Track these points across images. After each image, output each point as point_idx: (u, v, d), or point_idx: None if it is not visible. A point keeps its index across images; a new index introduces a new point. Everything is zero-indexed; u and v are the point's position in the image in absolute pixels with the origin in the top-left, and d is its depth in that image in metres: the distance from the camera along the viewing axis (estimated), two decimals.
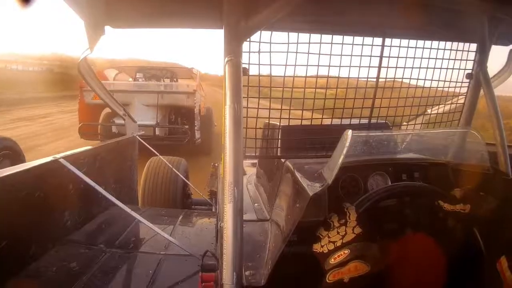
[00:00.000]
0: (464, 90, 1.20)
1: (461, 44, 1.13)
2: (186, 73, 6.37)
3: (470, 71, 1.17)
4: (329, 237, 0.73)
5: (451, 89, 1.18)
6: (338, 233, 0.72)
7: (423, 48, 1.10)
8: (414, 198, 0.83)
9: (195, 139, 5.02)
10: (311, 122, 1.13)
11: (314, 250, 0.74)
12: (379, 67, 1.09)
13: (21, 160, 2.89)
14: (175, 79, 6.10)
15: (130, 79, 5.97)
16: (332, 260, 0.69)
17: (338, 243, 0.70)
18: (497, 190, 0.84)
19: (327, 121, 1.16)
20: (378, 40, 1.06)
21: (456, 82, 1.17)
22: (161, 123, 4.94)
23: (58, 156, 1.28)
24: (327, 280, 0.68)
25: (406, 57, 1.09)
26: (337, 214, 0.76)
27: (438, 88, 1.19)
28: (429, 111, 1.30)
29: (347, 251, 0.68)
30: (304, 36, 0.99)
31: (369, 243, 0.69)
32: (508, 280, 0.71)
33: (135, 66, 6.47)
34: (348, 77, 1.09)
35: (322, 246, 0.73)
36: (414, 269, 0.71)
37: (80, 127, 4.55)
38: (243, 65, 0.85)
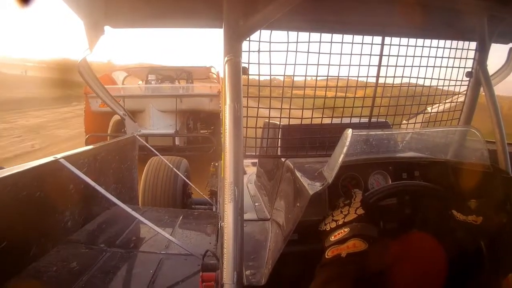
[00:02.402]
0: (464, 88, 1.20)
1: (460, 42, 1.13)
2: (204, 73, 5.58)
3: (470, 69, 1.17)
4: (332, 216, 0.75)
5: (451, 88, 1.19)
6: (341, 212, 0.74)
7: (423, 46, 1.10)
8: (426, 200, 0.83)
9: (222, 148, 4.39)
10: (311, 121, 1.13)
11: (319, 229, 0.76)
12: (379, 65, 1.09)
13: None
14: (190, 80, 5.38)
15: (141, 82, 5.32)
16: (333, 237, 0.70)
17: (340, 222, 0.72)
18: (497, 188, 0.84)
19: (327, 120, 1.16)
20: (378, 39, 1.06)
21: (456, 80, 1.17)
22: (180, 131, 4.26)
23: (58, 156, 1.28)
24: (325, 256, 0.69)
25: (406, 56, 1.09)
26: (344, 196, 0.78)
27: (438, 87, 1.19)
28: (429, 109, 1.30)
29: (347, 229, 0.70)
30: (303, 35, 0.99)
31: (369, 225, 0.70)
32: None
33: (145, 67, 5.63)
34: (348, 76, 1.09)
35: (325, 224, 0.75)
36: (415, 270, 0.71)
37: (87, 138, 3.94)
38: (243, 65, 0.85)
